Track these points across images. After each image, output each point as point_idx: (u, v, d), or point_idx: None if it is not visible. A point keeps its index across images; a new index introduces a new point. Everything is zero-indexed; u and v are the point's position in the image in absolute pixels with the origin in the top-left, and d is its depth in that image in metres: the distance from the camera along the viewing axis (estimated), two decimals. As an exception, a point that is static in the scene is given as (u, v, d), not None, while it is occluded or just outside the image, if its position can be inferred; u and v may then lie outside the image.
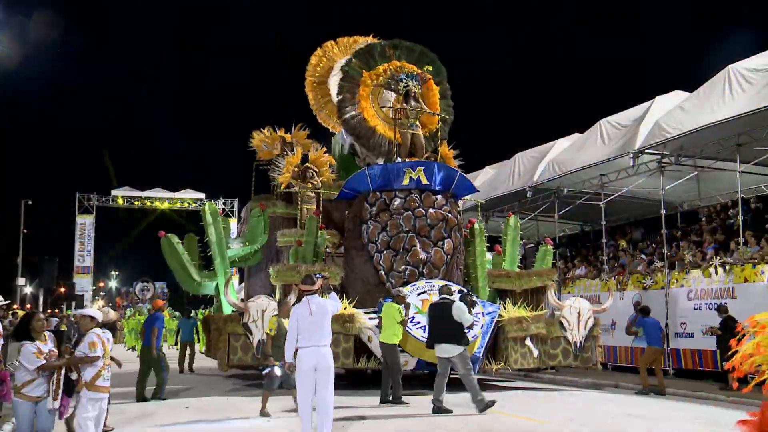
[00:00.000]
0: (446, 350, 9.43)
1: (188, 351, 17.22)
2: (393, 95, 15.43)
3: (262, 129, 17.44)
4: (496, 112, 65.93)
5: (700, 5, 63.82)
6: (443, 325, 9.55)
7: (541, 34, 79.49)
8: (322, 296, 7.43)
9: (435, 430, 8.23)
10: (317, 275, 8.81)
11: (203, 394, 11.88)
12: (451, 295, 10.13)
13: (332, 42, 17.31)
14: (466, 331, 9.76)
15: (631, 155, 15.29)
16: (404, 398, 10.35)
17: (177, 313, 28.47)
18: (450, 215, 13.55)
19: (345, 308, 11.96)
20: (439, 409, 9.29)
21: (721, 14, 58.91)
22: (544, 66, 77.60)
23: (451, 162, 16.28)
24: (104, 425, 6.63)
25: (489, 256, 15.38)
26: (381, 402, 10.33)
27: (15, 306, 27.05)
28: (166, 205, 43.64)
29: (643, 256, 17.07)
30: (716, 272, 13.53)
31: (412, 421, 8.88)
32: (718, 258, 13.95)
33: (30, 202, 33.81)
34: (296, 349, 6.93)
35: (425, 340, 11.32)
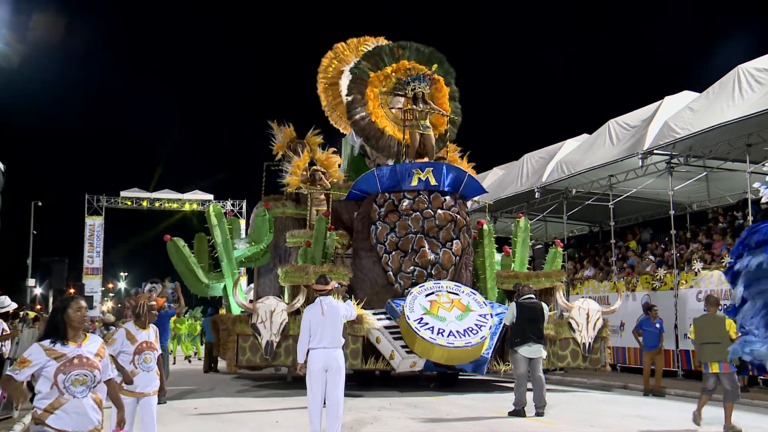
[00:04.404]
0: (538, 351, 9.52)
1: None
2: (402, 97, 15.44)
3: (278, 125, 17.39)
4: (504, 113, 65.86)
5: (710, 4, 63.59)
6: (537, 325, 9.63)
7: (547, 33, 79.31)
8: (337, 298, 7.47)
9: (445, 431, 8.24)
10: (337, 284, 8.79)
11: (212, 396, 11.92)
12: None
13: (343, 44, 17.30)
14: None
15: (640, 156, 15.25)
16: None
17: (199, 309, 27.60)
18: (459, 216, 13.52)
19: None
20: (517, 412, 9.30)
21: (731, 14, 58.67)
22: (551, 66, 77.49)
23: (457, 164, 16.25)
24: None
25: (498, 257, 15.37)
26: None
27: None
28: (174, 206, 43.77)
29: (652, 257, 17.01)
30: (725, 273, 13.46)
31: (421, 421, 8.89)
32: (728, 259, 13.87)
33: (40, 204, 33.99)
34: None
35: (434, 341, 11.35)
